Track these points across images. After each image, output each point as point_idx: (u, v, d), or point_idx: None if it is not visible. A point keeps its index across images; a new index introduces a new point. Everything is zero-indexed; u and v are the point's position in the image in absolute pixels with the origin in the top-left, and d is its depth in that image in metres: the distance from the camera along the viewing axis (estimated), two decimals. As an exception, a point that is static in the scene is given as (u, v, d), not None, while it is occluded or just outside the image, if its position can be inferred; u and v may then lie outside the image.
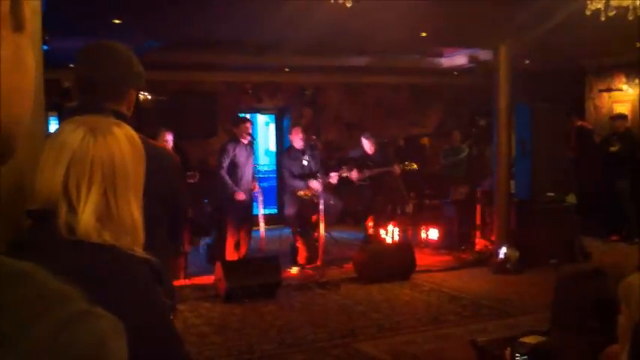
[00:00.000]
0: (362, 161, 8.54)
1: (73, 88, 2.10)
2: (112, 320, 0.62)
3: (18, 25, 0.62)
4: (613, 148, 9.48)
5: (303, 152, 8.06)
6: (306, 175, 7.98)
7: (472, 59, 10.38)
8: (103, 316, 0.61)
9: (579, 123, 9.91)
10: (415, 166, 8.63)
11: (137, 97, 2.19)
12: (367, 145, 8.67)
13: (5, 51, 0.60)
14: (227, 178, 7.64)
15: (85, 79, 2.08)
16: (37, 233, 1.28)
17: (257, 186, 8.00)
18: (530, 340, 3.44)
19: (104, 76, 2.05)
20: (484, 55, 9.87)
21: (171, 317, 1.65)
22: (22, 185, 1.33)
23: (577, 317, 2.75)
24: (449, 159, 10.51)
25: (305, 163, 7.99)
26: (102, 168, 1.29)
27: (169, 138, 7.16)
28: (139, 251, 1.31)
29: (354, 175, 8.40)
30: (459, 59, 10.59)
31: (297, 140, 8.07)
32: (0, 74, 0.60)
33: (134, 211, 1.34)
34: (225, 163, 7.67)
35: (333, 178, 8.21)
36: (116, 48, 2.10)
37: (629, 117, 10.27)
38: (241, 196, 7.63)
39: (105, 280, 1.19)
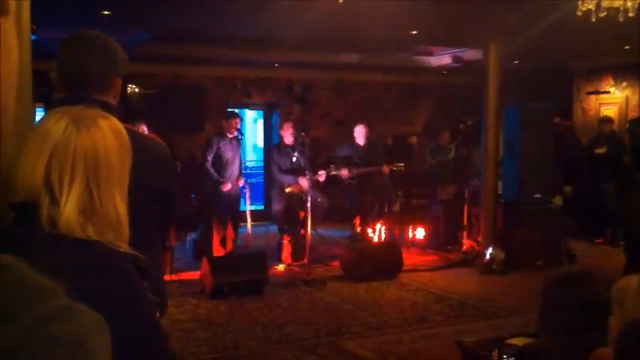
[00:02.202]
0: (350, 159, 8.50)
1: (56, 80, 2.05)
2: (95, 317, 0.61)
3: (1, 10, 0.61)
4: (600, 150, 9.54)
5: (293, 148, 8.01)
6: (295, 171, 7.93)
7: (456, 59, 10.39)
8: (85, 313, 0.59)
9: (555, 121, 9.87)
10: (402, 166, 8.62)
11: (125, 89, 2.16)
12: (360, 136, 8.60)
13: None
14: (212, 170, 7.61)
15: (70, 70, 2.04)
16: (19, 227, 1.24)
17: (242, 180, 7.94)
18: (517, 341, 3.44)
19: (89, 67, 2.01)
20: (469, 55, 9.89)
21: (160, 315, 1.62)
22: (9, 177, 1.30)
23: (565, 319, 2.74)
24: (437, 159, 10.51)
25: (294, 159, 7.95)
26: (85, 160, 1.25)
27: (143, 129, 7.10)
28: (124, 247, 1.28)
29: (344, 173, 8.37)
30: (445, 59, 10.60)
31: (288, 136, 8.03)
32: None
33: (118, 205, 1.30)
34: (210, 157, 7.64)
35: (321, 176, 8.18)
36: (99, 37, 2.07)
37: (616, 119, 10.34)
38: (227, 186, 7.61)
39: (87, 276, 1.16)
